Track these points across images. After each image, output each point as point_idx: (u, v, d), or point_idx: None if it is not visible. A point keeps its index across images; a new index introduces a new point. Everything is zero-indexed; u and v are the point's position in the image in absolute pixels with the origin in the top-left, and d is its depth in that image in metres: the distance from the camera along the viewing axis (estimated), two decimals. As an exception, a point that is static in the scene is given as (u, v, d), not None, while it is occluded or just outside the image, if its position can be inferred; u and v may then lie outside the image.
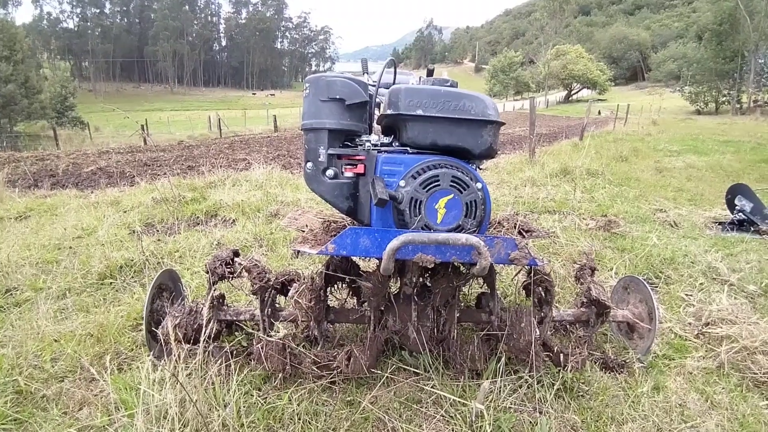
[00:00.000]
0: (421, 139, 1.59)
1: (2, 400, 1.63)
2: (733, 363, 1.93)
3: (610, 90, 61.62)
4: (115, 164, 10.31)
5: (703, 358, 1.99)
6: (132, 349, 2.04)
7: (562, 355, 1.81)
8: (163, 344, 1.69)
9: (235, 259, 1.85)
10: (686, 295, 2.55)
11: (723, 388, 1.80)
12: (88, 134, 24.96)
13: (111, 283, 2.88)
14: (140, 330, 2.14)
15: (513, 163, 7.99)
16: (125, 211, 4.58)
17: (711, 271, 2.87)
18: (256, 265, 1.84)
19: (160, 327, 1.70)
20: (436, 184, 1.52)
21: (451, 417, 1.58)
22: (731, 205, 4.15)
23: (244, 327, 2.02)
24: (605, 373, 1.88)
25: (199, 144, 16.76)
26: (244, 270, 1.82)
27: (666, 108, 33.42)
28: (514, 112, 40.71)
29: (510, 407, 1.63)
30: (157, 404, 1.51)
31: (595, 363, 1.91)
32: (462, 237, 1.40)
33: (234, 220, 4.56)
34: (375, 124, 2.02)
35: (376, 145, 1.67)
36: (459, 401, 1.59)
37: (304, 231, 1.84)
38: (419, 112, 1.54)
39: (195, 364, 1.60)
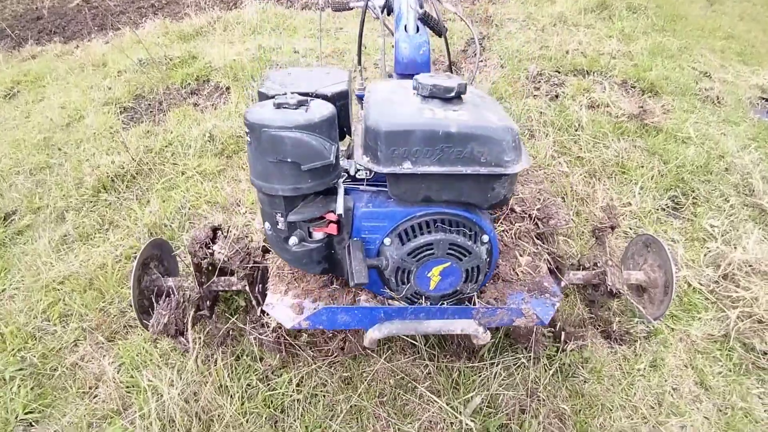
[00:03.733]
0: (411, 196, 1.12)
1: (24, 390, 1.62)
2: (740, 335, 1.77)
3: None
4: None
5: (712, 320, 1.83)
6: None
7: (564, 333, 1.67)
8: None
9: (214, 248, 1.57)
10: (711, 226, 2.24)
11: (722, 368, 1.69)
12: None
13: (106, 198, 2.67)
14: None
15: (544, -12, 6.50)
16: (110, 88, 4.01)
17: (744, 187, 2.47)
18: (237, 252, 1.58)
19: (150, 326, 1.55)
20: (429, 253, 1.12)
21: (442, 410, 1.54)
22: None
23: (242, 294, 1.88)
24: (605, 341, 1.76)
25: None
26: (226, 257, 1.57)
27: None
28: None
29: (502, 393, 1.57)
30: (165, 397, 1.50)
31: (597, 330, 1.78)
32: (458, 327, 1.10)
33: (227, 89, 3.99)
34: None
35: (355, 178, 1.19)
36: (450, 411, 1.51)
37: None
38: (407, 166, 1.02)
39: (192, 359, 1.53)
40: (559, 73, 4.04)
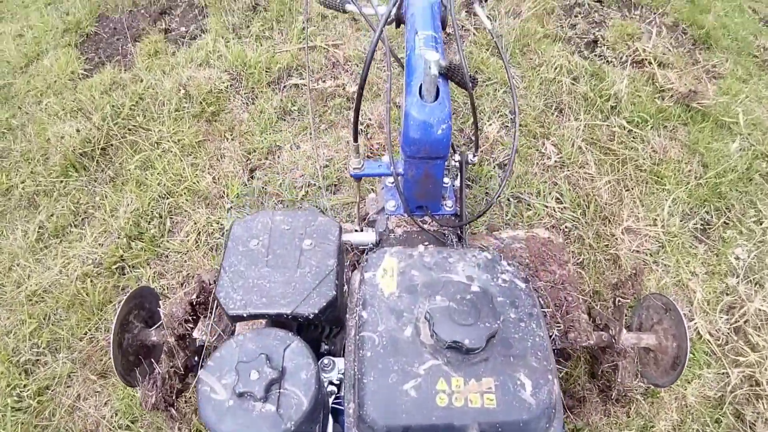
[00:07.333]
0: None
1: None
2: (735, 400, 1.75)
3: None
4: None
5: (713, 378, 1.80)
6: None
7: (571, 400, 1.65)
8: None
9: (195, 333, 1.44)
10: (736, 258, 2.07)
11: (709, 437, 1.71)
12: None
13: (76, 179, 2.42)
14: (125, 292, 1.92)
15: None
16: (68, 13, 3.36)
17: (786, 205, 2.24)
18: (220, 335, 1.46)
19: (140, 403, 1.50)
20: None
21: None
22: None
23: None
24: (600, 400, 1.75)
25: None
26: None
27: None
28: None
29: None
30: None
31: (595, 389, 1.76)
32: None
33: (203, 9, 3.35)
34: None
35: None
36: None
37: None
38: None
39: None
40: (601, 3, 3.38)
